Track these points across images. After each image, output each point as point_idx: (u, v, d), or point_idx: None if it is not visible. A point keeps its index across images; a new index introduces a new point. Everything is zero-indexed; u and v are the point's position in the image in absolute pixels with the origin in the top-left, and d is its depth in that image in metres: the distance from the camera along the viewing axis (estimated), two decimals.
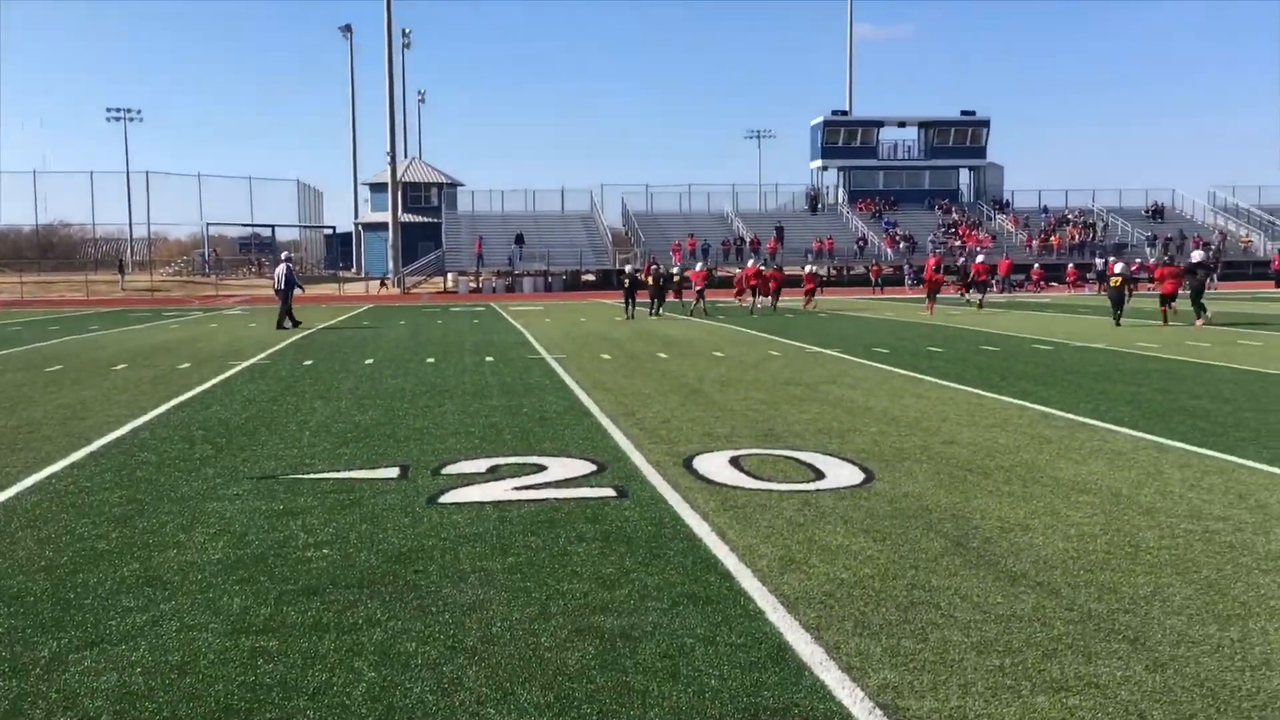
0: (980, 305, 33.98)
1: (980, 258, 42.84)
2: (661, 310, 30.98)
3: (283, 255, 27.71)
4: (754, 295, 35.69)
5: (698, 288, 32.65)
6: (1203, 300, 24.40)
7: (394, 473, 7.83)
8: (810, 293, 36.59)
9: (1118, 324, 24.19)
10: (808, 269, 37.71)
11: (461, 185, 78.55)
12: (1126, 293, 25.77)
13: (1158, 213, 70.43)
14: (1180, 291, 25.45)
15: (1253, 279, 55.67)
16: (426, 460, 8.29)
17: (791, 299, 39.65)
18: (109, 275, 64.07)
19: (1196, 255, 26.13)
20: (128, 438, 9.57)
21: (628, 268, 31.77)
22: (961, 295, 37.16)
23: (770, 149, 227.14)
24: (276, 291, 26.11)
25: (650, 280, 31.86)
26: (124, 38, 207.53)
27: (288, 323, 25.89)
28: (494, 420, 10.30)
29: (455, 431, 9.64)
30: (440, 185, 77.80)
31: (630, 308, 30.15)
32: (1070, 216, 68.99)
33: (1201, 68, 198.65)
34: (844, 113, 73.75)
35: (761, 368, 15.24)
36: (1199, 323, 23.75)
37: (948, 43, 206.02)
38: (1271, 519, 6.37)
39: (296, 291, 27.05)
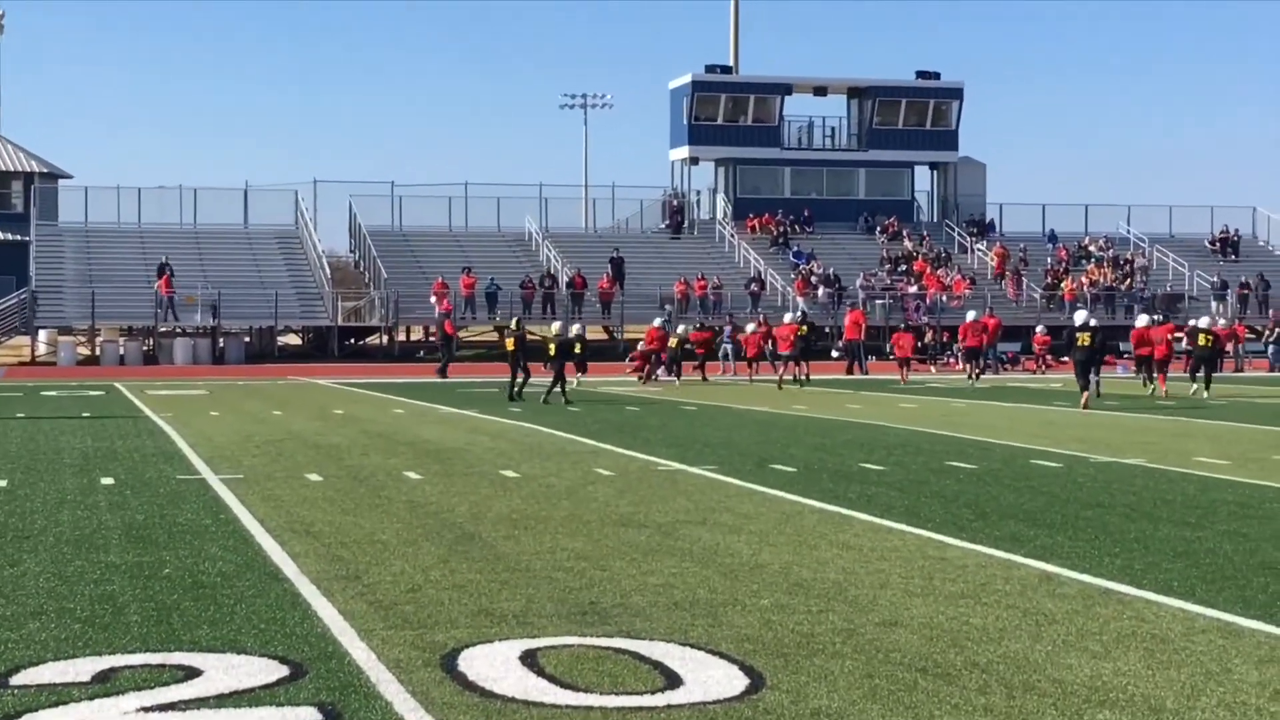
0: (975, 379, 41.88)
1: (972, 315, 45.51)
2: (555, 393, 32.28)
3: None
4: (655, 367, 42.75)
5: (784, 352, 40.83)
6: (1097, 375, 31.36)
7: None
8: (705, 358, 43.90)
9: (1084, 404, 29.84)
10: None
11: (67, 177, 77.34)
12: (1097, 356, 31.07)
13: (1229, 245, 73.87)
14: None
15: None
16: None
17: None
18: None
19: (1079, 317, 33.08)
20: None
21: (556, 325, 35.40)
22: (971, 379, 43.74)
23: (604, 127, 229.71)
24: None
25: (511, 346, 34.28)
26: None
27: None
28: (110, 589, 10.08)
29: (39, 610, 9.39)
30: (29, 175, 76.29)
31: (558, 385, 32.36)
32: (1093, 249, 71.79)
33: None
34: (726, 69, 75.59)
35: (581, 496, 15.28)
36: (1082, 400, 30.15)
37: None
38: None
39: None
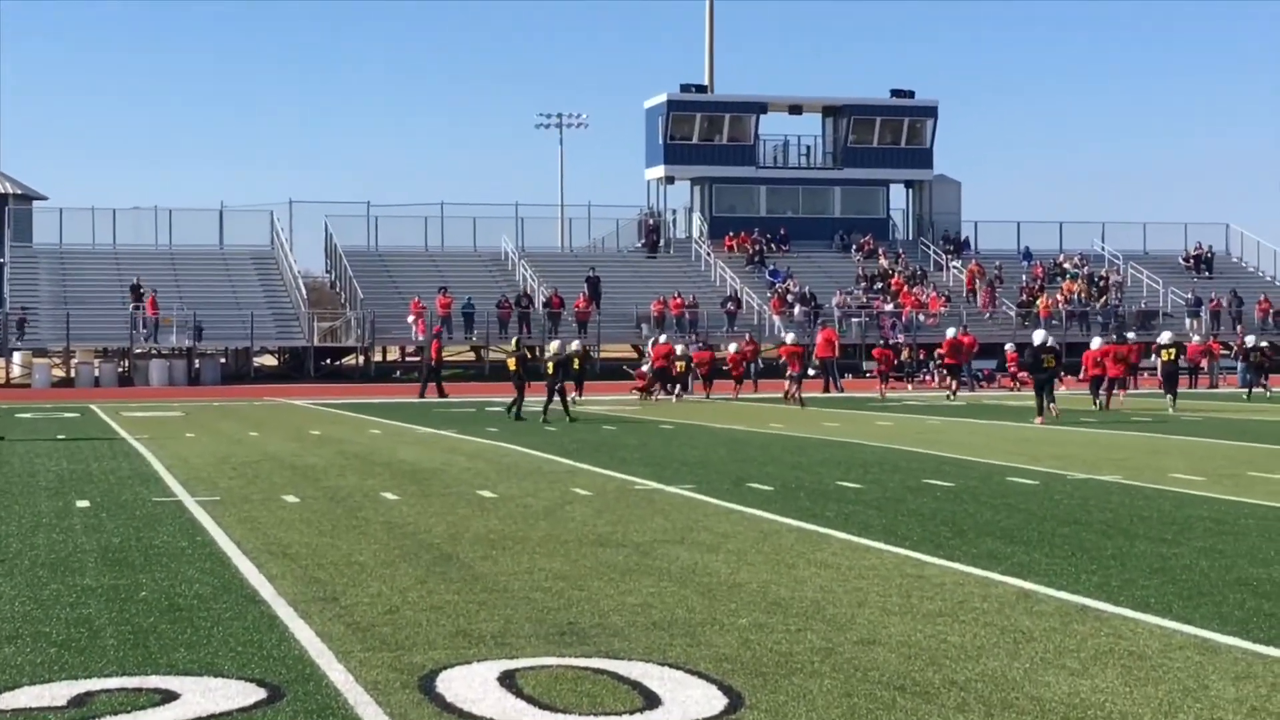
0: (952, 395, 42.81)
1: (952, 332, 46.28)
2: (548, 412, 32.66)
3: None
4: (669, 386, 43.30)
5: (794, 372, 40.33)
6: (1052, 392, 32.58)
7: None
8: (708, 377, 44.88)
9: (1045, 419, 31.39)
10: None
11: (42, 199, 76.96)
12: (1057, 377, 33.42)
13: (1203, 262, 74.20)
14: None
15: None
16: None
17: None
18: None
19: (1038, 336, 33.75)
20: None
21: (555, 344, 35.69)
22: (950, 394, 44.57)
23: (580, 146, 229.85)
24: None
25: (513, 366, 34.97)
26: None
27: None
28: (86, 612, 10.05)
29: (15, 634, 9.37)
30: (3, 197, 75.91)
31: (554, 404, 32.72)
32: (1068, 266, 72.03)
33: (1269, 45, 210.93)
34: (701, 88, 75.76)
35: (559, 517, 15.28)
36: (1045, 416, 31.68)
37: None
38: None
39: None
